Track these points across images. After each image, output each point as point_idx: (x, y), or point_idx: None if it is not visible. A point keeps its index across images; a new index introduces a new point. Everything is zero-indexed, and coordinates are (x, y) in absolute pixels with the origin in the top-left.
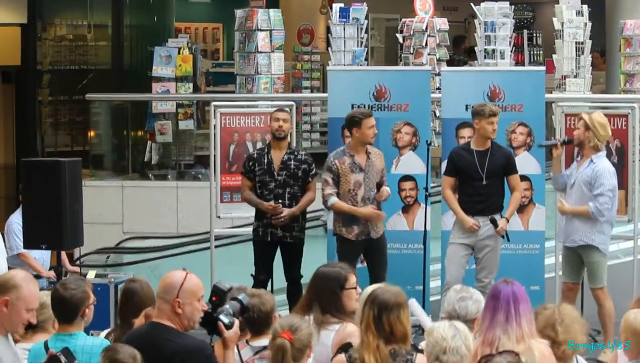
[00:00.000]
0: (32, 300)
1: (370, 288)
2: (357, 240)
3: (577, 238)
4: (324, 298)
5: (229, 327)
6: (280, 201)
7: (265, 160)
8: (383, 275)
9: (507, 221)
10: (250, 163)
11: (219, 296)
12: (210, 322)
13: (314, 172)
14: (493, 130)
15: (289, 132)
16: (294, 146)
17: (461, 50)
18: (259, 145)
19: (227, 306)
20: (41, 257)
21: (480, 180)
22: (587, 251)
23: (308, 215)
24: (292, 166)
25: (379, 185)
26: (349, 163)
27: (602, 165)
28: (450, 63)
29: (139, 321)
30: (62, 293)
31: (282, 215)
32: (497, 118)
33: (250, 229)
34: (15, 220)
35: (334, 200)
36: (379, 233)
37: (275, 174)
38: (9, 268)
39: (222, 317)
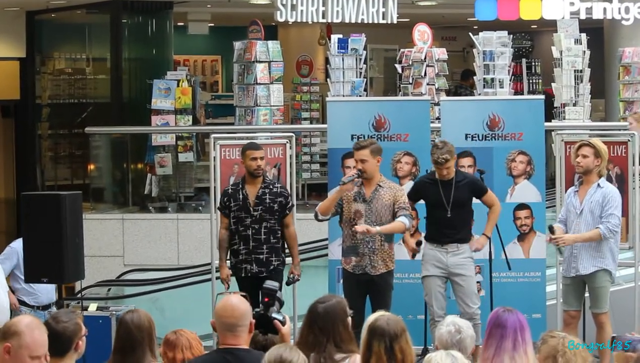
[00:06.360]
0: (36, 348)
1: (371, 320)
2: (354, 272)
3: (589, 265)
4: (338, 333)
5: (283, 323)
6: (256, 236)
7: (241, 196)
8: None
9: (488, 238)
10: (225, 199)
11: (270, 296)
12: (265, 322)
13: (290, 205)
14: (440, 175)
15: (265, 166)
16: (268, 179)
17: (469, 83)
18: None
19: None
20: (45, 288)
21: (445, 211)
22: (594, 276)
23: (308, 246)
24: (268, 200)
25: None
26: (354, 192)
27: (611, 188)
28: (455, 95)
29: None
30: (54, 327)
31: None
32: (447, 164)
33: None
34: (15, 246)
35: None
36: (378, 271)
37: (251, 209)
38: None
39: (275, 315)
